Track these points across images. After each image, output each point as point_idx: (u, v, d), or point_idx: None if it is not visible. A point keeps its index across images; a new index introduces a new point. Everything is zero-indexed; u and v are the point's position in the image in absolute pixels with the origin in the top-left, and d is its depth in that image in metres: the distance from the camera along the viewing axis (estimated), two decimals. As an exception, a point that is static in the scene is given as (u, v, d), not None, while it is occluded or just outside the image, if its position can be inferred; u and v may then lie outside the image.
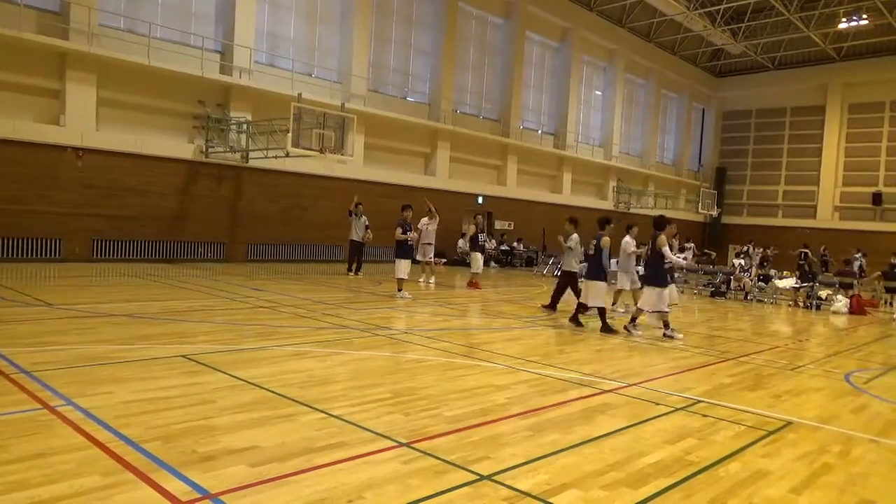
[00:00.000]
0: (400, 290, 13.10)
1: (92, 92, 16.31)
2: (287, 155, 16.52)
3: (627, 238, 12.41)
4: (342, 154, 16.94)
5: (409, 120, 23.68)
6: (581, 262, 11.96)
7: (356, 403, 5.25)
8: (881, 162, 36.52)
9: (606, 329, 10.08)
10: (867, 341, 11.53)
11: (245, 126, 18.35)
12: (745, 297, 18.10)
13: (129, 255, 17.09)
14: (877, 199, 35.89)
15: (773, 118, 40.49)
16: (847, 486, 4.12)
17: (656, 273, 9.89)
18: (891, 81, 35.59)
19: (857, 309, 16.15)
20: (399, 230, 13.25)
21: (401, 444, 4.33)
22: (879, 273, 18.81)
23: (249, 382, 5.66)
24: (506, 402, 5.64)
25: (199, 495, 3.36)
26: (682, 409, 5.78)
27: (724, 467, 4.30)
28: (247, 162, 18.89)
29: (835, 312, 16.00)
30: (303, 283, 14.83)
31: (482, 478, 3.83)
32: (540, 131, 30.73)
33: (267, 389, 5.48)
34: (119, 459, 3.76)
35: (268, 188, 19.76)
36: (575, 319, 10.50)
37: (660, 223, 10.03)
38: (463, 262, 23.84)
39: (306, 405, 5.10)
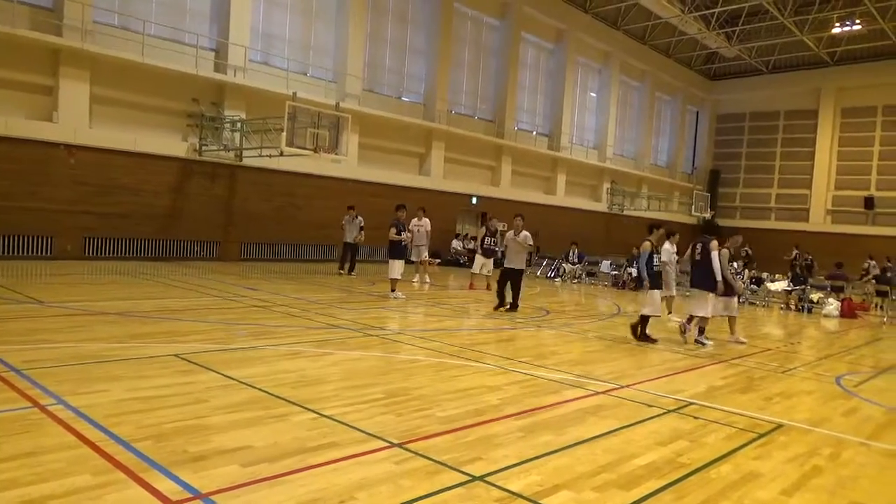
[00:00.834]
0: (393, 290, 13.09)
1: (85, 89, 16.23)
2: (281, 154, 16.47)
3: (667, 245, 12.32)
4: (336, 153, 16.91)
5: (403, 120, 23.67)
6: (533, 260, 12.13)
7: (349, 403, 5.24)
8: (873, 166, 36.74)
9: (644, 338, 9.59)
10: (858, 344, 11.60)
11: (239, 124, 18.30)
12: (738, 300, 18.13)
13: (121, 254, 17.01)
14: (869, 203, 36.10)
15: (766, 121, 40.69)
16: (837, 489, 4.15)
17: (707, 278, 9.80)
18: (883, 86, 35.81)
19: (848, 312, 16.25)
20: (393, 230, 13.23)
21: (393, 445, 4.32)
22: (871, 276, 18.91)
23: (242, 382, 5.65)
24: (498, 402, 5.65)
25: (189, 495, 3.35)
26: (674, 410, 5.80)
27: (715, 469, 4.32)
28: (241, 160, 18.84)
29: (826, 315, 16.09)
30: (296, 283, 14.80)
31: (474, 478, 3.84)
32: (534, 132, 30.78)
33: (259, 389, 5.46)
34: (110, 459, 3.74)
35: (262, 187, 19.71)
36: (643, 336, 9.65)
37: (712, 230, 10.10)
38: (457, 262, 23.87)
39: (299, 405, 5.09)
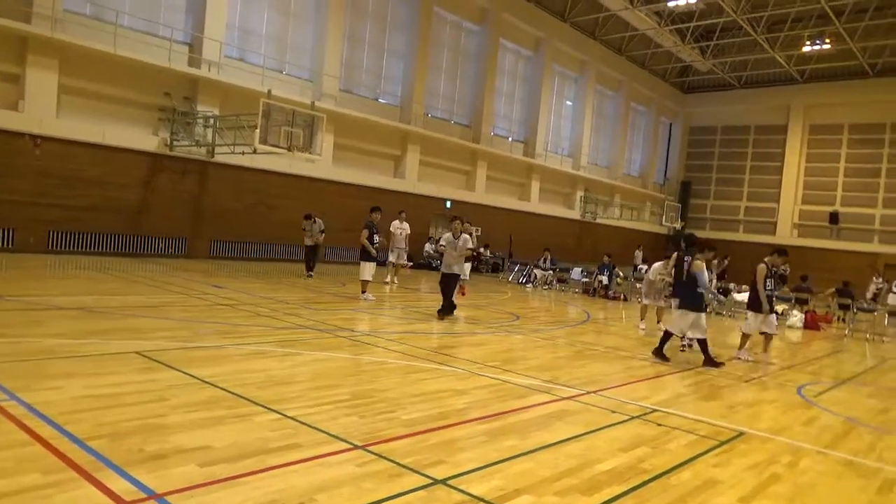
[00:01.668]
0: (364, 291, 13.01)
1: (54, 78, 15.86)
2: (254, 151, 16.27)
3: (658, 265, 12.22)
4: (310, 153, 16.77)
5: (379, 121, 23.58)
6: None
7: (313, 405, 5.18)
8: (839, 182, 37.67)
9: (710, 362, 8.91)
10: (819, 356, 11.83)
11: (212, 120, 18.04)
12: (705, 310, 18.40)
13: (86, 248, 16.64)
14: (833, 218, 36.97)
15: (737, 135, 41.50)
16: (794, 497, 4.21)
17: (755, 300, 9.80)
18: (849, 105, 36.79)
19: (811, 324, 16.59)
20: (365, 232, 13.14)
21: (356, 447, 4.28)
22: (833, 290, 19.34)
23: (205, 381, 5.55)
24: (464, 406, 5.64)
25: (144, 495, 3.27)
26: (637, 417, 5.84)
27: (676, 475, 4.35)
28: (212, 157, 18.57)
29: (790, 327, 16.40)
30: (265, 282, 14.62)
31: (436, 482, 3.81)
32: (510, 138, 30.92)
33: (223, 388, 5.37)
34: (62, 457, 3.64)
35: (233, 184, 19.45)
36: (659, 353, 9.12)
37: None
38: (429, 265, 23.82)
39: (262, 405, 5.01)
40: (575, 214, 34.39)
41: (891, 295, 19.91)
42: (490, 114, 28.78)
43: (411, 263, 22.45)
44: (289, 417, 4.77)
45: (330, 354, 7.29)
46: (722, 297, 17.73)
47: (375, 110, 23.94)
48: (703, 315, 9.05)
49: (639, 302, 13.98)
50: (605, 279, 19.98)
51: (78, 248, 16.50)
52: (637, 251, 29.09)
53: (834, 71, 36.36)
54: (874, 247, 35.34)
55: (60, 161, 16.00)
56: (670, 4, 29.06)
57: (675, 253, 10.94)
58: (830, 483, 4.60)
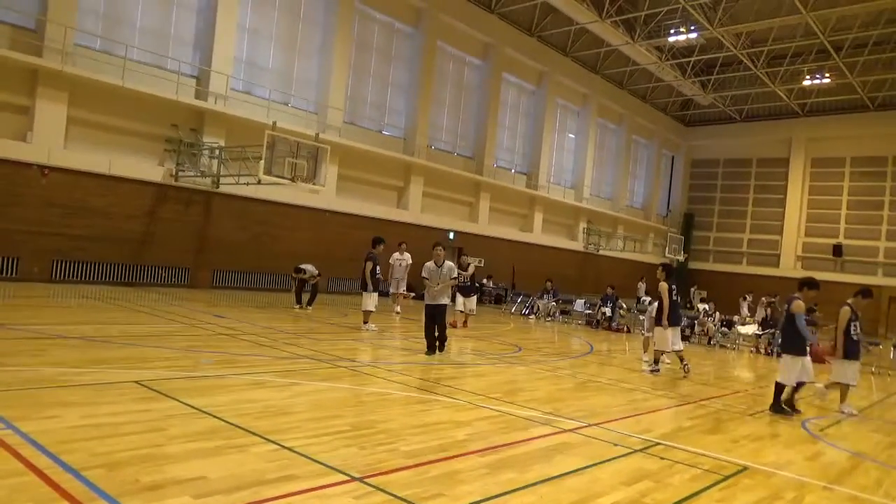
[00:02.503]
0: (366, 322, 12.98)
1: (62, 110, 16.09)
2: (259, 182, 16.40)
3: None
4: (314, 183, 16.89)
5: (383, 153, 23.79)
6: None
7: (312, 435, 5.13)
8: (841, 215, 37.71)
9: (776, 408, 8.47)
10: (825, 389, 11.66)
11: (217, 151, 18.23)
12: (709, 342, 18.30)
13: (90, 278, 16.67)
14: (837, 250, 36.93)
15: (739, 168, 41.72)
16: (799, 533, 4.13)
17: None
18: (851, 138, 37.04)
19: (816, 357, 16.41)
20: (369, 265, 13.15)
21: (354, 479, 4.22)
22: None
23: (203, 411, 5.51)
24: (465, 438, 5.57)
25: (137, 527, 3.22)
26: (640, 450, 5.76)
27: (679, 511, 4.28)
28: (217, 187, 18.72)
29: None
30: (267, 312, 14.60)
31: (435, 515, 3.75)
32: (513, 170, 31.12)
33: (221, 419, 5.33)
34: (56, 487, 3.60)
35: (237, 214, 19.57)
36: (789, 404, 8.63)
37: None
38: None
39: (260, 436, 4.96)
40: (578, 246, 34.43)
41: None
42: (493, 146, 29.02)
43: (413, 294, 22.47)
44: (286, 448, 4.72)
45: (330, 385, 7.25)
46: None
47: (379, 142, 24.16)
48: (799, 358, 8.59)
49: (642, 334, 13.91)
50: (608, 311, 19.89)
51: (82, 277, 16.54)
52: (640, 283, 29.00)
53: (835, 104, 36.69)
54: (878, 279, 35.12)
55: (66, 191, 16.14)
56: (671, 40, 29.47)
57: (662, 283, 10.95)
58: (837, 519, 4.51)
